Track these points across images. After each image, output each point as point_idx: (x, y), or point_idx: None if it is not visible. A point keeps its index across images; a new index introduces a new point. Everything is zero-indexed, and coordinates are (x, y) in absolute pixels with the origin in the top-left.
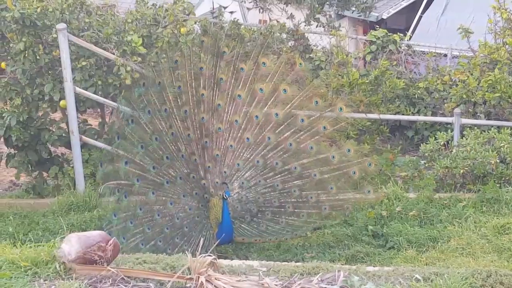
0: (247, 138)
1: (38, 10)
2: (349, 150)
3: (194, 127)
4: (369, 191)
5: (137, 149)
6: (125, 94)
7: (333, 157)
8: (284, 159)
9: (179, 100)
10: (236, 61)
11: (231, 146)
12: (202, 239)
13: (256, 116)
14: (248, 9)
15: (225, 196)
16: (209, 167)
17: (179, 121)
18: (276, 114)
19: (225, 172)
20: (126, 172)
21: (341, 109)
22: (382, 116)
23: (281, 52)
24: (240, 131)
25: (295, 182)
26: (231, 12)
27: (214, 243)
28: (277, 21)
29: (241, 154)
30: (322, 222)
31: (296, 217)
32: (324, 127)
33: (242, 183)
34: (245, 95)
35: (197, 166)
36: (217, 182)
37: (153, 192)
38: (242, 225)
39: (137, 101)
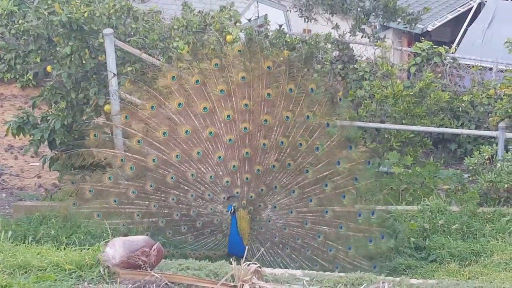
0: (289, 164)
1: (85, 14)
2: (373, 213)
3: (237, 135)
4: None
5: (158, 134)
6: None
7: (360, 215)
8: (319, 199)
9: (222, 103)
10: (284, 80)
11: (273, 166)
12: (213, 242)
13: (300, 144)
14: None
15: (227, 209)
16: (247, 178)
17: (221, 123)
18: (317, 148)
19: (261, 190)
20: (138, 149)
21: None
22: (426, 129)
23: (325, 62)
24: (285, 154)
25: (323, 227)
26: (280, 25)
27: (223, 251)
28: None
29: (281, 178)
30: None
31: (311, 264)
32: (356, 179)
33: (275, 206)
34: (292, 118)
35: (234, 173)
36: (251, 197)
37: (173, 177)
38: (261, 249)
39: (159, 90)
